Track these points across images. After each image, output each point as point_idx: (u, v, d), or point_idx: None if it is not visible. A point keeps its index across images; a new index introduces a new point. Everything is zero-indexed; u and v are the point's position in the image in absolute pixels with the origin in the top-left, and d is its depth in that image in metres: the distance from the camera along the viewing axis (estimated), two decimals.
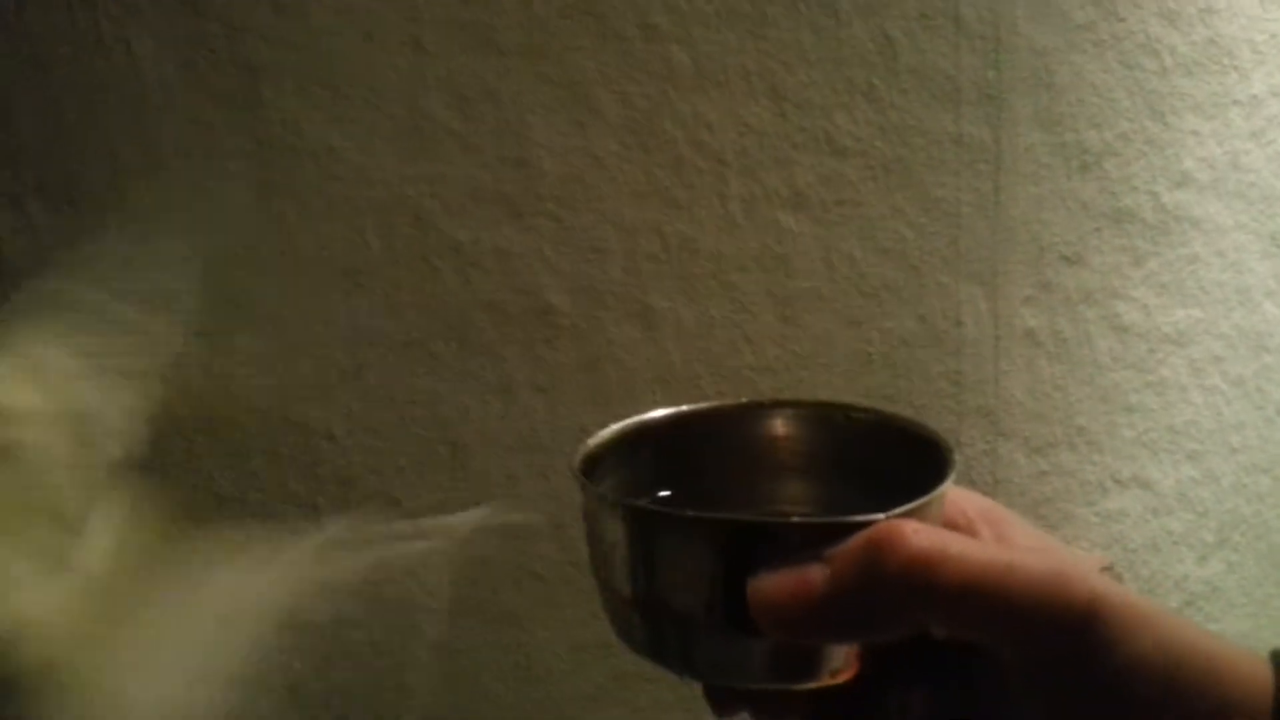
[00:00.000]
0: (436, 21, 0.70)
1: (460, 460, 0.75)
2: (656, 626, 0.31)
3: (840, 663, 0.31)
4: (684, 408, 0.39)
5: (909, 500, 0.30)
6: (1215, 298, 0.94)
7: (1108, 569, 0.95)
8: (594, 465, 0.36)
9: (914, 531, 0.28)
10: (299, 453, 0.73)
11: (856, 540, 0.28)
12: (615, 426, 0.38)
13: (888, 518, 0.29)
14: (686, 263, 0.77)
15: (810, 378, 0.82)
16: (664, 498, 0.38)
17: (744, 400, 0.40)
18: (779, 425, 0.39)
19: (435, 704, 0.77)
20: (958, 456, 0.32)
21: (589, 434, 0.37)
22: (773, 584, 0.28)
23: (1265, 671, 0.28)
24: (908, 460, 0.34)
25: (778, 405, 0.39)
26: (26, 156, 0.67)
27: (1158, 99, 0.89)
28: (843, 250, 0.81)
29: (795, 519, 0.33)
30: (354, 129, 0.70)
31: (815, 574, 0.28)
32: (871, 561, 0.28)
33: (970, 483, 0.88)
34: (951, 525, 0.33)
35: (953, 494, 0.33)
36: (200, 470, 0.71)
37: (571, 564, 0.79)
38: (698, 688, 0.34)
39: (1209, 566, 0.99)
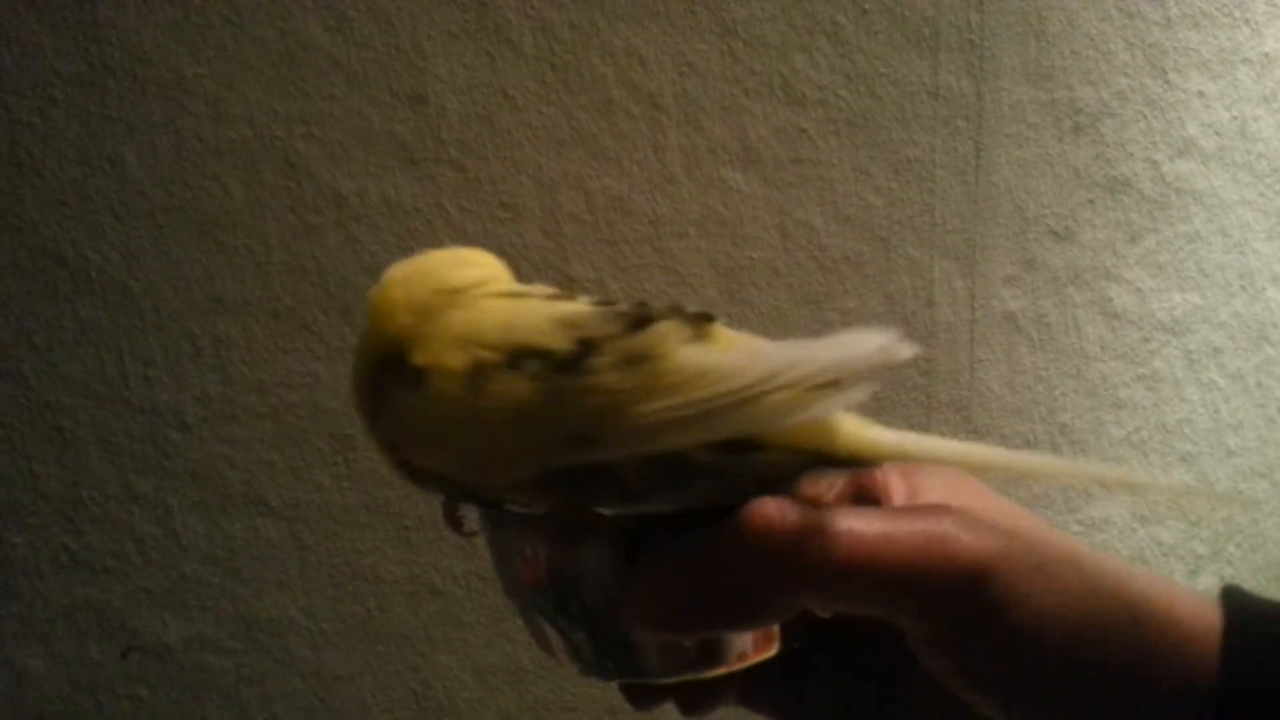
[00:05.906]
0: None
1: (343, 455, 0.64)
2: (557, 629, 0.31)
3: (746, 645, 0.30)
4: None
5: None
6: (1216, 282, 0.88)
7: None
8: None
9: (778, 509, 0.27)
10: (142, 444, 0.61)
11: (719, 528, 0.27)
12: None
13: (758, 498, 0.28)
14: (616, 225, 0.68)
15: None
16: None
17: None
18: None
19: None
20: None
21: None
22: (639, 587, 0.28)
23: (1208, 614, 0.28)
24: None
25: None
26: None
27: (1160, 54, 0.80)
28: (799, 216, 0.72)
29: (660, 508, 0.31)
30: (211, 55, 0.59)
31: (678, 568, 0.27)
32: (734, 548, 0.27)
33: None
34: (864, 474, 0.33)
35: None
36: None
37: (477, 575, 0.69)
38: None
39: (1200, 580, 0.93)
